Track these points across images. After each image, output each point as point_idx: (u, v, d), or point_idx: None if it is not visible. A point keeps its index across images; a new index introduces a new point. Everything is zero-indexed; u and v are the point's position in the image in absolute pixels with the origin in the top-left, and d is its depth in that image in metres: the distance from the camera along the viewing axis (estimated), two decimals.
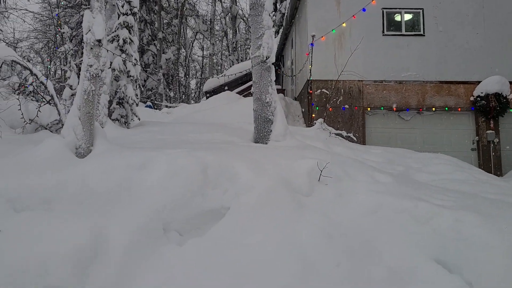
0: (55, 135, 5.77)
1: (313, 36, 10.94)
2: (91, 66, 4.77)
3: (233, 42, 34.22)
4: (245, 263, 3.42)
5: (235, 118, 10.29)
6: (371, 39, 11.32)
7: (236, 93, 16.80)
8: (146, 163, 4.22)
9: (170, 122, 10.70)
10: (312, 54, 10.88)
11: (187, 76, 35.25)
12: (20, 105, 5.70)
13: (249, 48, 35.36)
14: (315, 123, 9.00)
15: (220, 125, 8.58)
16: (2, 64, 5.39)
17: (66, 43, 7.62)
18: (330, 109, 10.74)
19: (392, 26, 11.64)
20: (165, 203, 3.92)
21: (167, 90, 27.95)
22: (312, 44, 10.91)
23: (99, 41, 4.79)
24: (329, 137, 8.22)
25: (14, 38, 26.08)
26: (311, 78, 11.11)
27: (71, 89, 7.72)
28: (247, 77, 18.03)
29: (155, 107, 22.06)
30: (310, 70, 10.95)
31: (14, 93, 7.66)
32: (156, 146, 5.39)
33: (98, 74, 4.84)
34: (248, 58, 32.06)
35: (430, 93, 11.44)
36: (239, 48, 36.01)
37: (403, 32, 11.60)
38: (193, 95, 39.97)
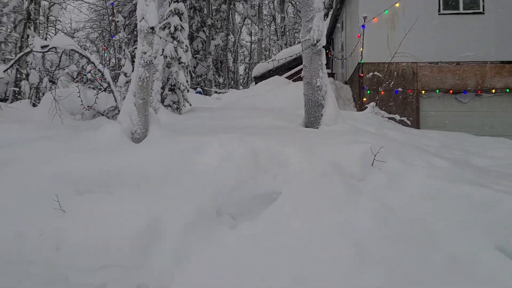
0: (111, 121, 5.99)
1: (364, 18, 10.63)
2: (145, 53, 4.88)
3: (282, 27, 33.92)
4: (297, 248, 3.41)
5: (285, 103, 10.24)
6: (426, 18, 10.84)
7: (285, 77, 16.68)
8: (199, 148, 4.29)
9: (220, 107, 10.81)
10: (363, 36, 10.58)
11: (236, 62, 35.41)
12: (79, 92, 5.95)
13: (297, 32, 34.89)
14: (366, 107, 8.81)
15: (270, 110, 8.58)
16: (62, 53, 5.65)
17: (120, 32, 7.84)
18: (382, 92, 10.43)
19: (449, 4, 11.09)
20: (218, 187, 3.98)
21: (216, 76, 28.23)
22: (363, 26, 10.61)
23: (152, 28, 4.89)
24: (381, 121, 8.02)
25: (71, 28, 27.16)
26: (362, 61, 10.83)
27: (126, 76, 7.97)
28: (296, 61, 17.83)
29: (205, 93, 22.38)
30: (362, 52, 10.67)
31: (73, 81, 8.00)
32: (208, 132, 5.47)
33: (151, 61, 4.95)
34: (296, 43, 31.71)
35: (490, 74, 10.86)
36: (288, 33, 35.63)
37: (461, 10, 11.03)
38: (241, 80, 40.15)
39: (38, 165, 4.15)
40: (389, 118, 8.54)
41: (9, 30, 16.85)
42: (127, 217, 3.66)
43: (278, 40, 34.75)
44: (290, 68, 18.30)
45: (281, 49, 30.73)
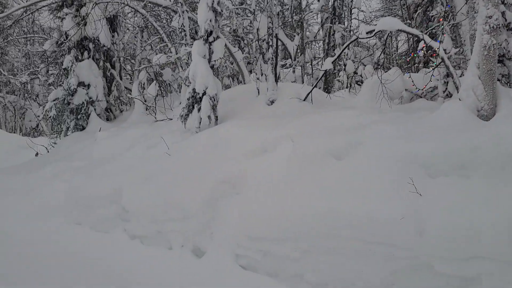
0: (451, 99, 5.55)
1: None
2: (490, 17, 4.26)
3: None
4: None
5: None
6: None
7: None
8: None
9: None
10: None
11: None
12: (409, 72, 5.74)
13: None
14: None
15: None
16: (387, 36, 5.59)
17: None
18: None
19: None
20: None
21: None
22: None
23: None
24: None
25: (367, 18, 27.92)
26: None
27: (445, 52, 7.34)
28: None
29: None
30: None
31: (397, 65, 7.93)
32: None
33: (498, 25, 4.27)
34: None
35: None
36: None
37: None
38: None
39: (383, 148, 4.11)
40: None
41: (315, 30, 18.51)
42: (493, 203, 3.18)
43: None
44: None
45: None
